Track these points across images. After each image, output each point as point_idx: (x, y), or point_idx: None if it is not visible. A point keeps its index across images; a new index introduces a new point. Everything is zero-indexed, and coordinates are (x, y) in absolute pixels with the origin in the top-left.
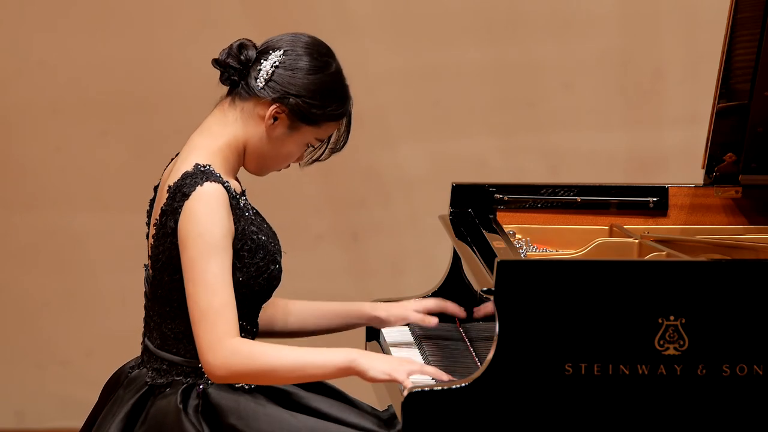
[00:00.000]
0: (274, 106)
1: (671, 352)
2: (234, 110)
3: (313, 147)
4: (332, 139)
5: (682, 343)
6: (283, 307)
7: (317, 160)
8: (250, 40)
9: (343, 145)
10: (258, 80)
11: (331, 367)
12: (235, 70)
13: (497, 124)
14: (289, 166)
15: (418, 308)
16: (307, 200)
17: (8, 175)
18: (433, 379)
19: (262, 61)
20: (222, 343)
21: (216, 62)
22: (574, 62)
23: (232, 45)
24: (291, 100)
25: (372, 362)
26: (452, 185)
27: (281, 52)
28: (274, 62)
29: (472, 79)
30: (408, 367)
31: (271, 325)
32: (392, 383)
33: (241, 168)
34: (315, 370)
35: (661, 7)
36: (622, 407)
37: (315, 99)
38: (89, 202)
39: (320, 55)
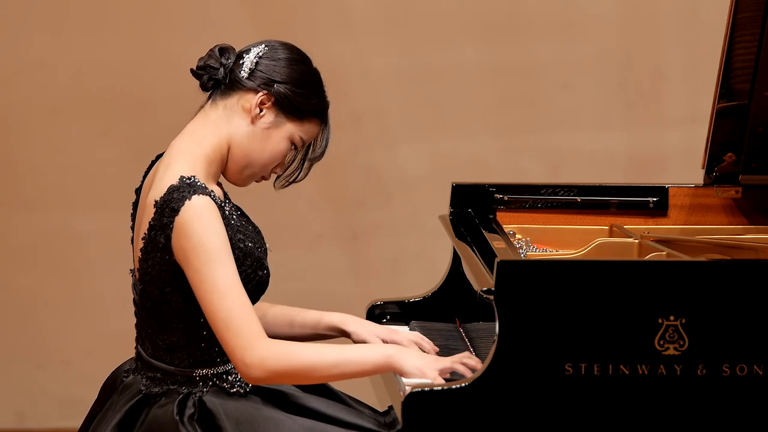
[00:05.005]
0: (261, 94)
1: (671, 352)
2: (216, 109)
3: (296, 148)
4: (311, 147)
5: (682, 343)
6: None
7: (295, 180)
8: (229, 45)
9: (321, 154)
10: (242, 71)
11: (369, 364)
12: (217, 70)
13: (497, 124)
14: (269, 176)
15: (387, 340)
16: (307, 200)
17: (8, 175)
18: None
19: (243, 56)
20: (255, 344)
21: (197, 69)
22: (574, 62)
23: (212, 50)
24: (277, 87)
25: (408, 358)
26: (452, 185)
27: (262, 45)
28: (258, 53)
29: (472, 80)
30: (439, 365)
31: None
32: (392, 383)
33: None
34: (354, 367)
35: (661, 7)
36: (622, 407)
37: (299, 88)
38: (89, 202)
39: (299, 52)
